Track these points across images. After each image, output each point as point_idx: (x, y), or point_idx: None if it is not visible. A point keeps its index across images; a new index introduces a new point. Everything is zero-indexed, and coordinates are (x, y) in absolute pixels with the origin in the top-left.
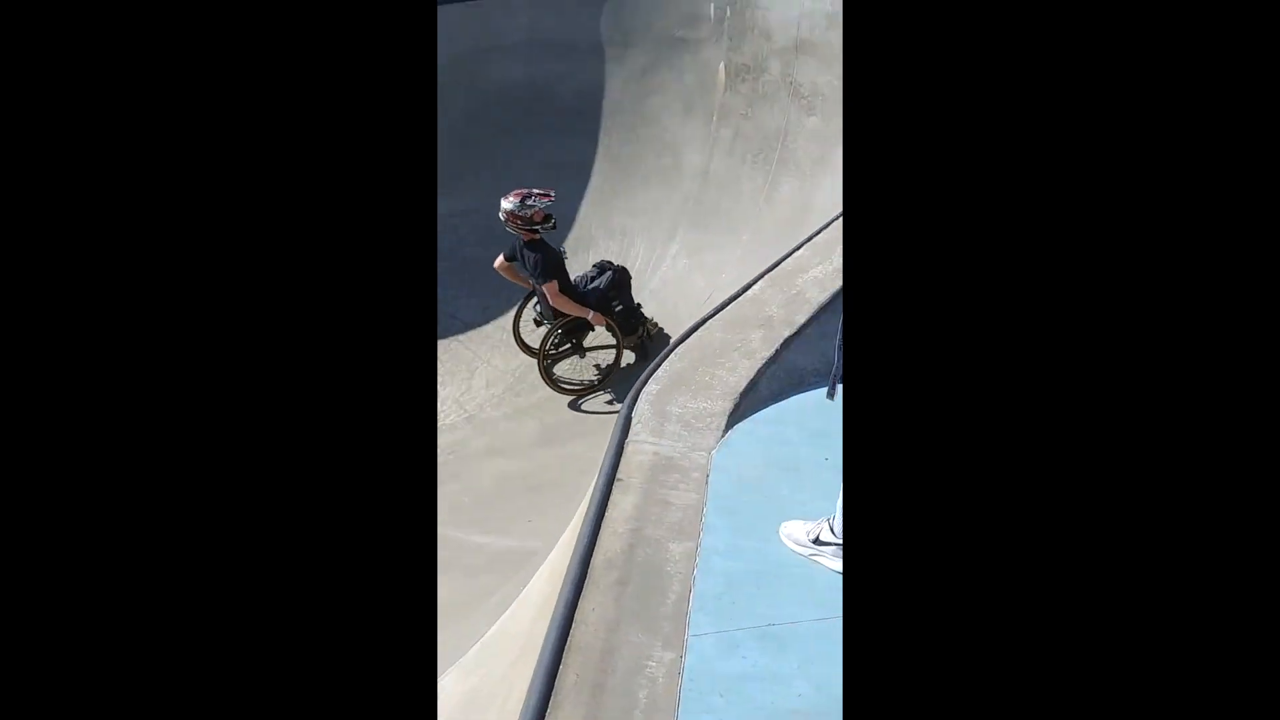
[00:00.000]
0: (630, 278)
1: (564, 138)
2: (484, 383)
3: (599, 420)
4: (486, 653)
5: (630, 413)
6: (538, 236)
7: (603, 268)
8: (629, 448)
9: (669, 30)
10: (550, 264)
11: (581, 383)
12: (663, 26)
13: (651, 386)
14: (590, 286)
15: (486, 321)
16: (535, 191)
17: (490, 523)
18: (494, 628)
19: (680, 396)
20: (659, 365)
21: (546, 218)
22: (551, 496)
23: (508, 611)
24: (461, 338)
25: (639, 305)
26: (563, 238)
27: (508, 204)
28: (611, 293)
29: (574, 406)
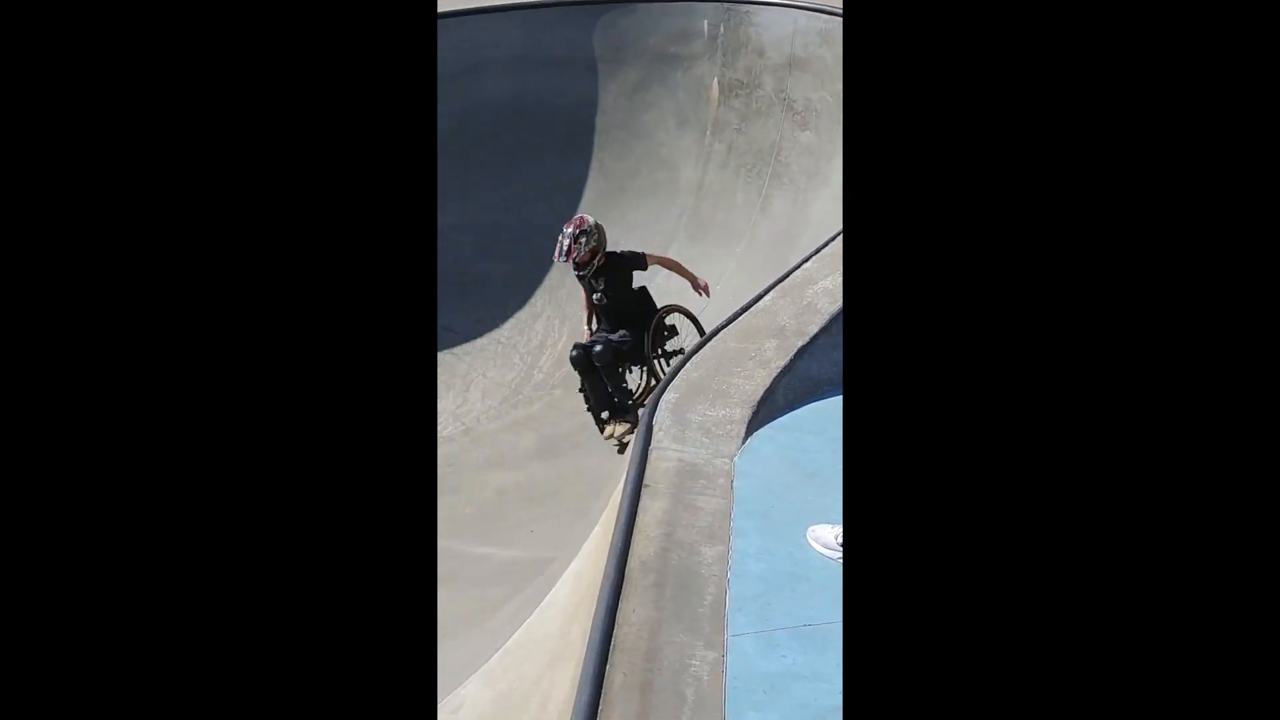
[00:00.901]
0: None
1: (557, 153)
2: (480, 395)
3: (594, 432)
4: (511, 659)
5: (651, 420)
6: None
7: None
8: (653, 454)
9: (662, 46)
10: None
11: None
12: (656, 42)
13: (670, 395)
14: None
15: (480, 334)
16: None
17: (492, 534)
18: (516, 635)
19: (699, 405)
20: (676, 374)
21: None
22: (552, 507)
23: (531, 618)
24: (456, 350)
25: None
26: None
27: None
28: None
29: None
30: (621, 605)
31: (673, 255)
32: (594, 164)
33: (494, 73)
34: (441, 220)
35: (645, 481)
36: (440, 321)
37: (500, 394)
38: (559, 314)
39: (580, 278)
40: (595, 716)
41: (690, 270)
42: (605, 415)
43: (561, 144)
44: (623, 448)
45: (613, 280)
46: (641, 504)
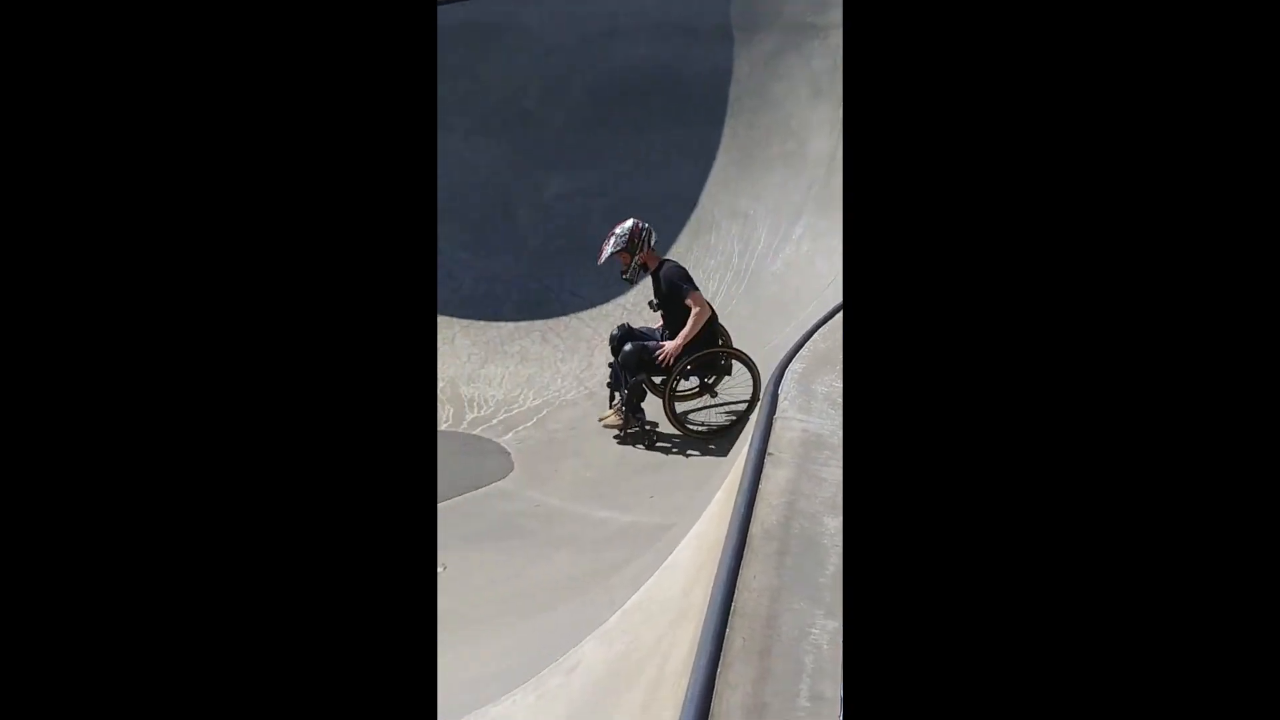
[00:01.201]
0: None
1: (691, 120)
2: (605, 360)
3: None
4: (630, 620)
5: (776, 390)
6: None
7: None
8: (777, 424)
9: (799, 16)
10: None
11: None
12: (792, 12)
13: (796, 365)
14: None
15: (606, 300)
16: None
17: (612, 498)
18: (635, 596)
19: (826, 376)
20: (802, 345)
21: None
22: (671, 475)
23: (651, 579)
24: (583, 315)
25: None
26: (684, 220)
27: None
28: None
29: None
30: (742, 571)
31: (800, 226)
32: (726, 132)
33: (630, 39)
34: (572, 185)
35: (769, 450)
36: (567, 286)
37: None
38: None
39: (626, 280)
40: (714, 677)
41: (688, 331)
42: (614, 401)
43: (695, 111)
44: (623, 437)
45: (658, 289)
46: (765, 472)
